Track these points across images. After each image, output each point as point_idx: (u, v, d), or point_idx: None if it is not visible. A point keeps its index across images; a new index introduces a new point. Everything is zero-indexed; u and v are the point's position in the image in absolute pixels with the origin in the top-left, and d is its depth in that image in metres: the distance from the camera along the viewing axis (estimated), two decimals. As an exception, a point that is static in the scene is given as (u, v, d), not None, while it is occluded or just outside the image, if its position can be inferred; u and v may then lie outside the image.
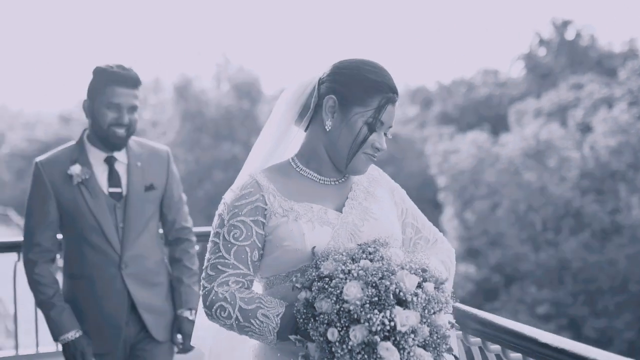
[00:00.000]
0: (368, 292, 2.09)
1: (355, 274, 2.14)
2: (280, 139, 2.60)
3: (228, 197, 2.50)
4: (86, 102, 3.76)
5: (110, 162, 3.81)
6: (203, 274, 2.45)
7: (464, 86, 38.43)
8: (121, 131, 3.71)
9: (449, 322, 2.23)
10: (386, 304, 2.08)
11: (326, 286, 2.17)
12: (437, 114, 37.56)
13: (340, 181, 2.56)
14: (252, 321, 2.33)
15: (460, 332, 2.63)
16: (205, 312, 2.42)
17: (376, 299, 2.09)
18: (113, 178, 3.80)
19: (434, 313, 2.16)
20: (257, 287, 2.53)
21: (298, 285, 2.27)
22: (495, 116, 35.14)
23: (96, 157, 3.80)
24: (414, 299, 2.10)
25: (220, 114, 35.27)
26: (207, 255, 2.47)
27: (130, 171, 3.83)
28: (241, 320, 2.34)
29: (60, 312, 3.74)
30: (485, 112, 36.19)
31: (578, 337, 23.99)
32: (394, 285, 2.09)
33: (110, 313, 3.79)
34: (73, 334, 3.73)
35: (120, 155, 3.83)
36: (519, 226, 26.26)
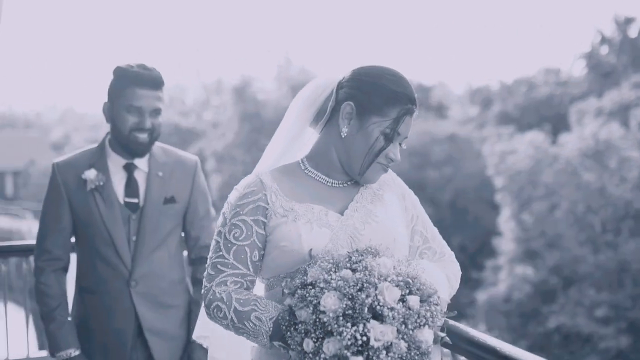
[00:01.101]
0: (343, 303, 2.04)
1: (334, 284, 2.08)
2: (293, 140, 2.59)
3: (232, 196, 2.49)
4: (106, 105, 3.49)
5: (129, 169, 3.53)
6: (205, 273, 2.46)
7: (525, 85, 37.99)
8: (143, 136, 3.42)
9: (439, 336, 2.16)
10: (360, 318, 2.02)
11: (306, 294, 2.12)
12: (497, 114, 37.21)
13: (348, 184, 2.53)
14: (246, 323, 2.30)
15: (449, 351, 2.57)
16: (205, 311, 2.42)
17: (350, 311, 2.03)
18: (131, 187, 3.52)
19: (415, 328, 2.07)
20: (260, 289, 2.51)
21: (286, 291, 2.23)
22: (556, 116, 34.65)
23: (115, 163, 3.53)
24: (391, 313, 2.03)
25: (279, 115, 35.48)
26: (210, 254, 2.47)
27: (150, 181, 3.53)
28: (235, 321, 2.32)
29: (60, 326, 3.49)
30: (546, 112, 35.70)
31: (638, 340, 23.57)
32: (370, 298, 2.03)
33: (116, 333, 3.50)
34: (70, 352, 3.49)
35: (142, 163, 3.55)
36: (578, 227, 25.84)
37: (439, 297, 2.19)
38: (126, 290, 3.49)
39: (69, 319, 3.55)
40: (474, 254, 30.29)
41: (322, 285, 2.10)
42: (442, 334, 2.19)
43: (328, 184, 2.50)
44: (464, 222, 31.55)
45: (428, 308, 2.10)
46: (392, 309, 2.03)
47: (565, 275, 25.56)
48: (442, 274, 2.46)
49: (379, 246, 2.26)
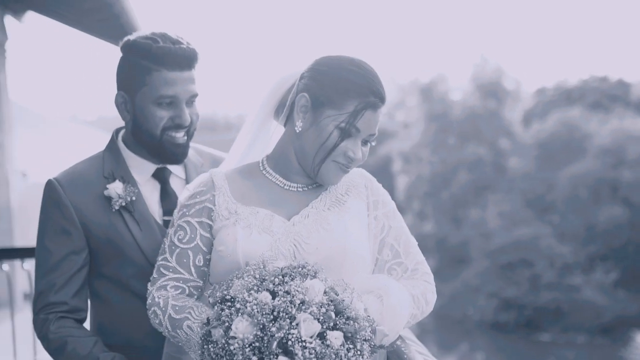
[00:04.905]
0: (253, 333, 1.84)
1: (249, 309, 1.85)
2: (256, 134, 2.39)
3: (182, 195, 2.34)
4: (120, 97, 2.56)
5: (162, 177, 2.64)
6: (151, 276, 2.30)
7: None
8: (180, 135, 2.54)
9: None
10: (267, 353, 1.82)
11: (222, 312, 1.91)
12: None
13: (308, 188, 2.29)
14: (179, 332, 2.14)
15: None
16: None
17: (258, 343, 1.83)
18: (168, 200, 2.61)
19: None
20: None
21: (210, 300, 2.01)
22: None
23: (141, 169, 2.62)
24: (302, 352, 1.81)
25: (467, 114, 35.19)
26: (157, 257, 2.30)
27: None
28: (170, 329, 2.17)
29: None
30: None
31: None
32: (282, 332, 1.81)
33: None
34: None
35: (176, 167, 2.68)
36: None
37: (373, 331, 1.97)
38: None
39: None
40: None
41: (238, 305, 1.88)
42: None
43: (285, 187, 2.28)
44: (663, 225, 29.96)
45: (352, 346, 1.87)
46: (304, 347, 1.82)
47: None
48: (406, 294, 2.20)
49: (315, 265, 2.03)
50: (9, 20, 8.99)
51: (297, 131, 2.21)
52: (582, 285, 28.86)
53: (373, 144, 2.25)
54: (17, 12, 8.92)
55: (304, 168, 2.25)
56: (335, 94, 2.15)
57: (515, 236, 29.81)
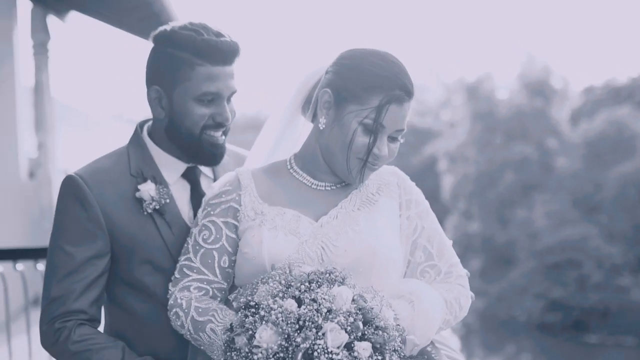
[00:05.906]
0: (277, 343, 1.77)
1: (273, 317, 1.78)
2: (283, 132, 2.32)
3: (207, 194, 2.25)
4: (155, 92, 2.32)
5: (192, 177, 2.42)
6: (172, 276, 2.22)
7: None
8: (219, 134, 2.34)
9: None
10: None
11: (245, 319, 1.84)
12: None
13: (337, 186, 2.21)
14: (201, 335, 2.07)
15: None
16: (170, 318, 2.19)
17: (282, 354, 1.77)
18: (198, 201, 2.34)
19: None
20: None
21: (234, 304, 1.99)
22: None
23: (171, 168, 2.39)
24: None
25: (512, 113, 34.80)
26: (180, 256, 2.22)
27: None
28: (192, 331, 2.10)
29: None
30: None
31: None
32: (308, 342, 1.75)
33: None
34: None
35: (205, 167, 2.47)
36: None
37: (402, 341, 1.91)
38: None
39: None
40: None
41: (262, 313, 1.81)
42: None
43: (313, 186, 2.20)
44: None
45: (380, 357, 1.81)
46: (331, 358, 1.75)
47: None
48: (439, 298, 2.12)
49: (343, 271, 1.94)
50: (52, 20, 9.05)
51: (321, 128, 2.13)
52: (630, 287, 28.43)
53: (402, 140, 2.15)
54: (60, 12, 8.98)
55: (330, 166, 2.17)
56: (358, 88, 2.06)
57: (563, 236, 29.43)
